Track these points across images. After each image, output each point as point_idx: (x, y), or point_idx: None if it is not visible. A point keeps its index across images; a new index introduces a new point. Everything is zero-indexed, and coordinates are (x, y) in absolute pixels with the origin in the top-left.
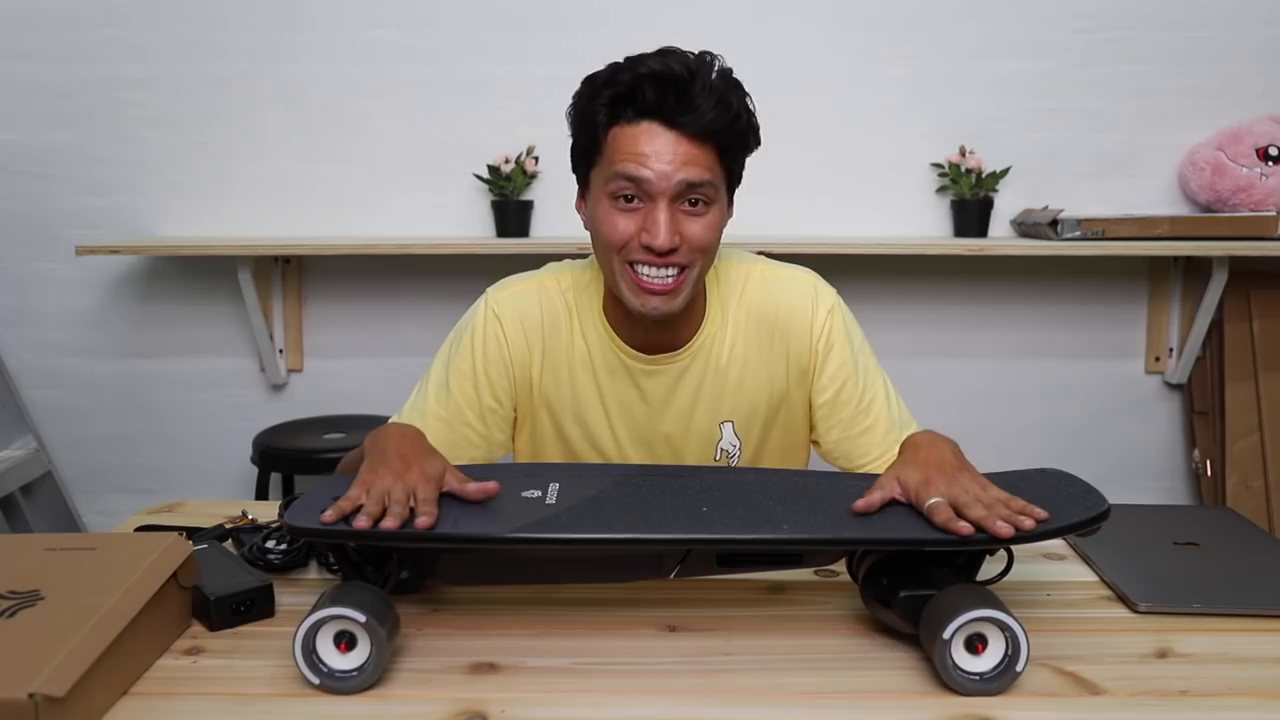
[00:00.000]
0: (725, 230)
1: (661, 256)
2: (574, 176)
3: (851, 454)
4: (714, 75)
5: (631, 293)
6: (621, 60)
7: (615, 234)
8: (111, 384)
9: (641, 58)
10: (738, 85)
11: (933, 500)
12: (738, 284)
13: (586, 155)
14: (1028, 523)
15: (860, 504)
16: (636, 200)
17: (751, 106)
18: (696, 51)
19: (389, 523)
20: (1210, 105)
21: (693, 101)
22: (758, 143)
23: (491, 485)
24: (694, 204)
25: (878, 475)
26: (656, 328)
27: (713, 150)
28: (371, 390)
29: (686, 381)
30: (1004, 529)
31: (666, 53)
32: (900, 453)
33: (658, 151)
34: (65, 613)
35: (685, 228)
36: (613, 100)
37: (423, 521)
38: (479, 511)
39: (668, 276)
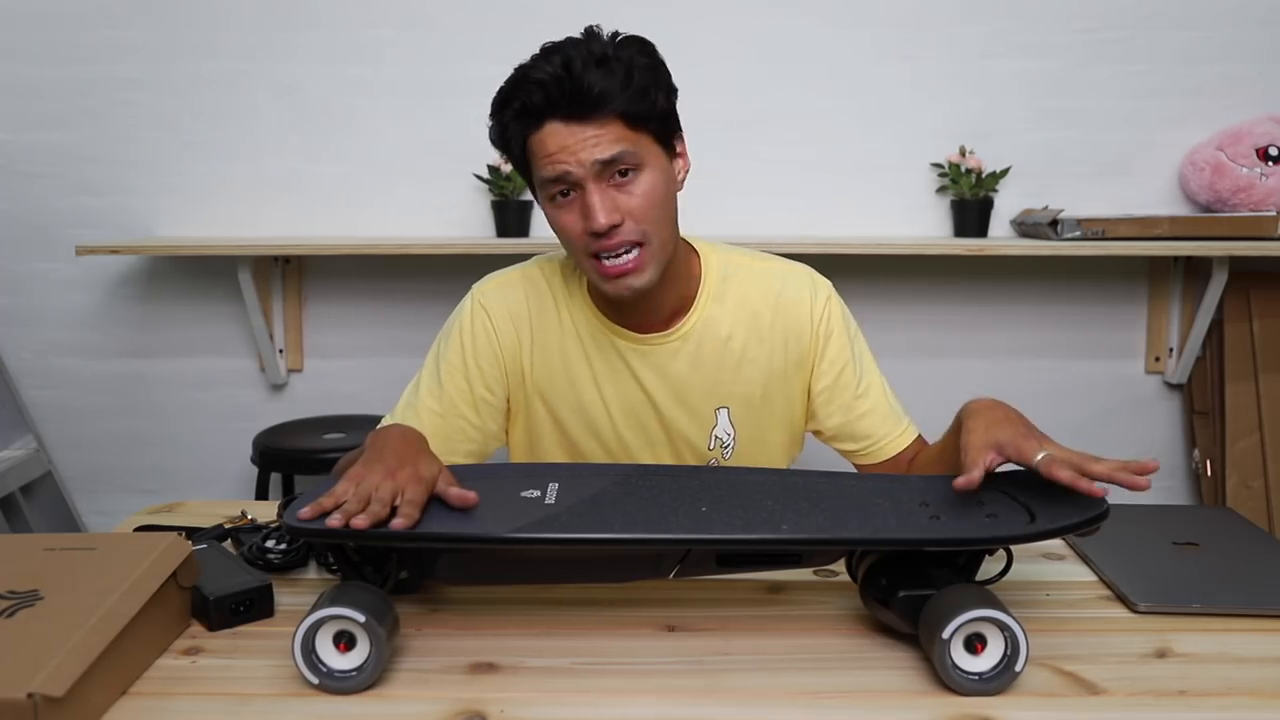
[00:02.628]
0: (727, 230)
1: (607, 237)
2: None
3: (856, 434)
4: (589, 56)
5: (602, 281)
6: (514, 73)
7: (566, 230)
8: (111, 384)
9: (527, 67)
10: (617, 57)
11: (1042, 455)
12: (737, 276)
13: (522, 171)
14: (1143, 481)
15: (961, 481)
16: (571, 193)
17: (644, 62)
18: (579, 34)
19: (360, 521)
20: (1210, 105)
21: (577, 93)
22: (666, 91)
23: (471, 495)
24: (623, 175)
25: (878, 476)
26: (639, 305)
27: (616, 121)
28: (371, 390)
29: (679, 362)
30: (1141, 481)
31: (548, 52)
32: (965, 420)
33: (565, 146)
34: (64, 613)
35: (622, 202)
36: (515, 116)
37: (399, 523)
38: (477, 512)
39: (628, 260)
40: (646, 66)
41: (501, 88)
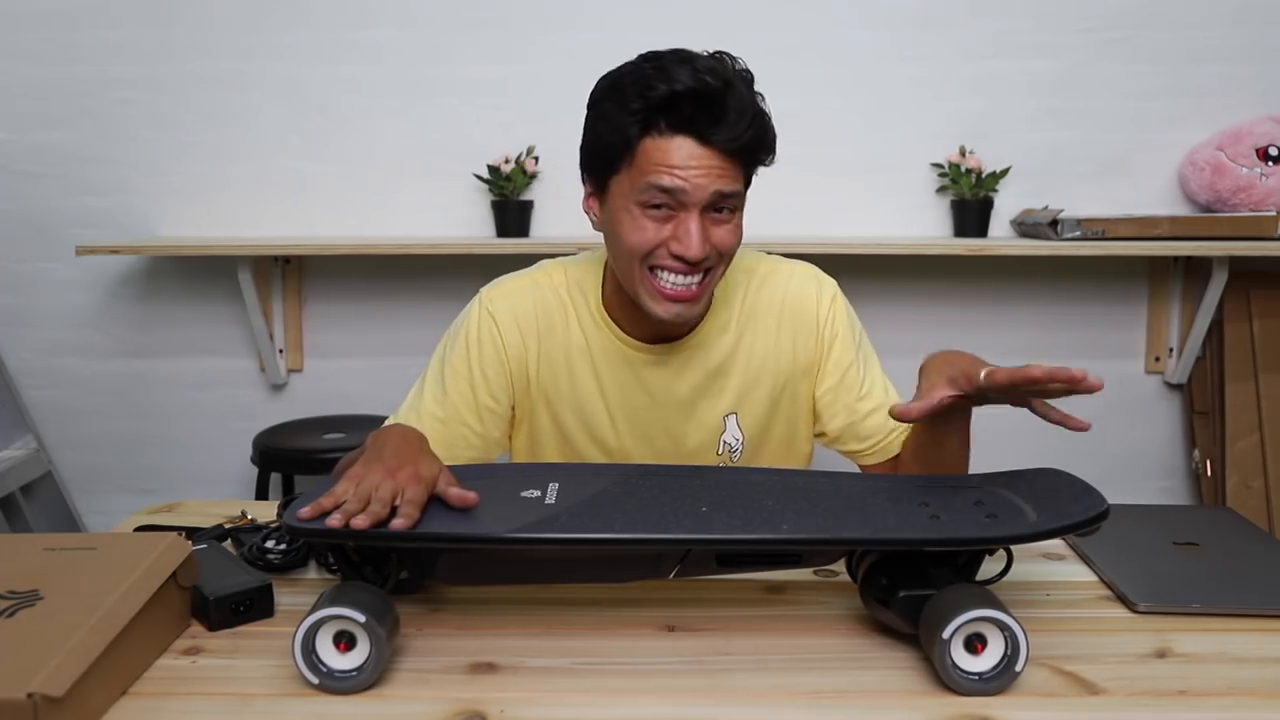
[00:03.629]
0: None
1: (691, 265)
2: (581, 175)
3: (859, 435)
4: (741, 85)
5: (652, 299)
6: (645, 64)
7: (644, 241)
8: (111, 384)
9: (668, 65)
10: (759, 94)
11: (984, 372)
12: (742, 280)
13: (608, 162)
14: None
15: (899, 408)
16: (665, 209)
17: (768, 110)
18: (713, 54)
19: (360, 521)
20: (1210, 105)
21: (727, 118)
22: (775, 149)
23: (471, 495)
24: (721, 214)
25: (879, 476)
26: (662, 322)
27: (740, 162)
28: (371, 390)
29: (689, 372)
30: (1079, 377)
31: (691, 58)
32: (921, 376)
33: (691, 165)
34: (64, 613)
35: (713, 235)
36: (646, 111)
37: (399, 523)
38: (477, 512)
39: (692, 284)
40: (773, 125)
41: (638, 73)
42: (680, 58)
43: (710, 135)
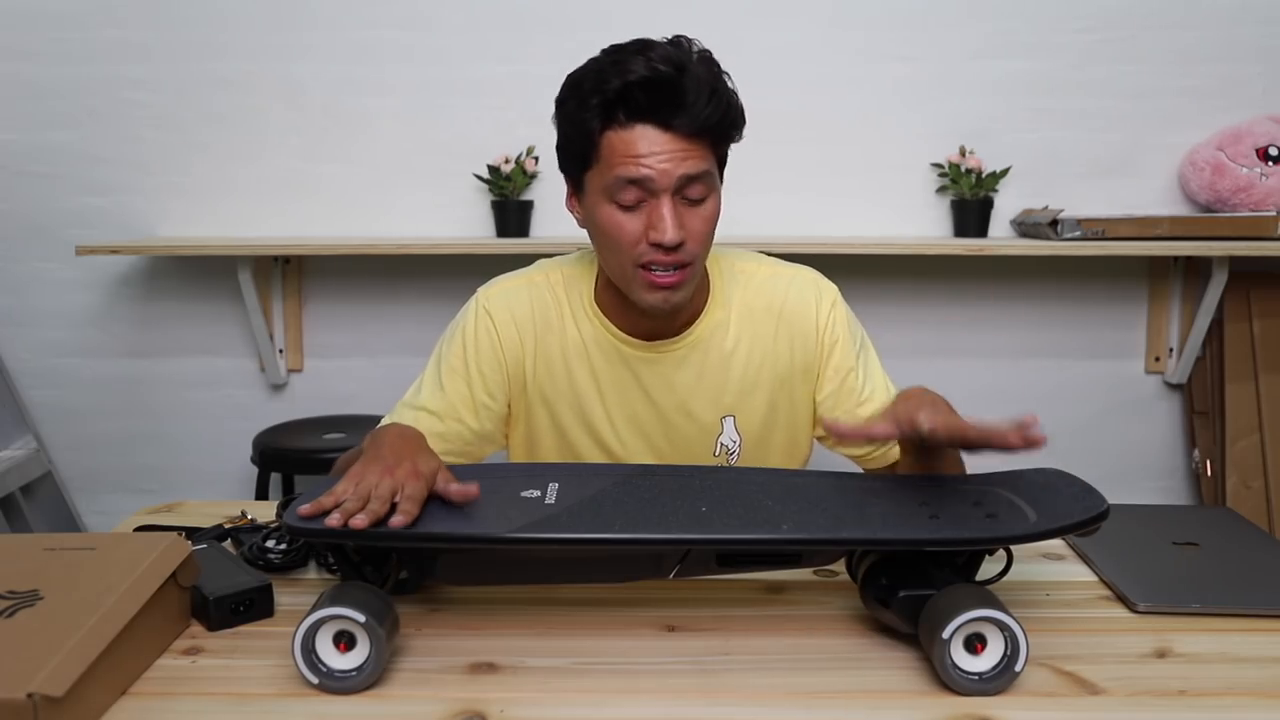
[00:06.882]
0: (726, 230)
1: (669, 253)
2: (563, 176)
3: (860, 441)
4: (699, 67)
5: (645, 291)
6: (603, 58)
7: (624, 236)
8: (111, 384)
9: (624, 57)
10: (719, 70)
11: (922, 416)
12: (741, 281)
13: (579, 159)
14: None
15: (828, 420)
16: (638, 200)
17: (733, 87)
18: (671, 38)
19: (360, 520)
20: (1210, 105)
21: (685, 100)
22: (744, 123)
23: (472, 489)
24: (693, 197)
25: (878, 476)
26: (657, 315)
27: (706, 142)
28: (371, 390)
29: (685, 370)
30: (1015, 437)
31: (647, 47)
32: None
33: (654, 152)
34: (64, 613)
35: (687, 221)
36: (603, 105)
37: (398, 519)
38: (477, 512)
39: (672, 275)
40: (734, 96)
41: (595, 68)
42: (636, 48)
43: (671, 121)
